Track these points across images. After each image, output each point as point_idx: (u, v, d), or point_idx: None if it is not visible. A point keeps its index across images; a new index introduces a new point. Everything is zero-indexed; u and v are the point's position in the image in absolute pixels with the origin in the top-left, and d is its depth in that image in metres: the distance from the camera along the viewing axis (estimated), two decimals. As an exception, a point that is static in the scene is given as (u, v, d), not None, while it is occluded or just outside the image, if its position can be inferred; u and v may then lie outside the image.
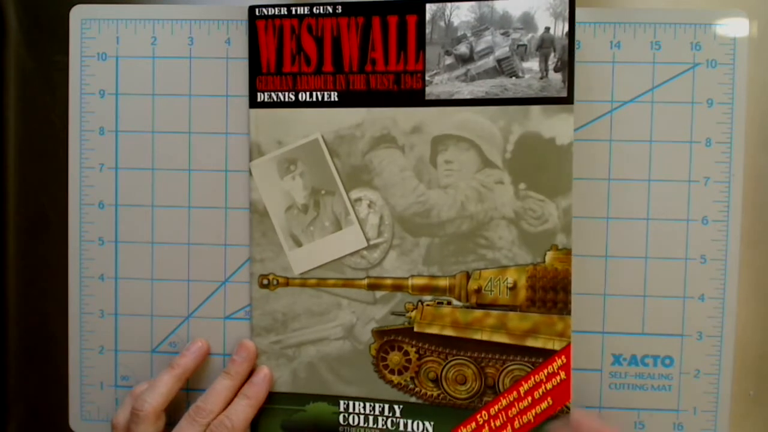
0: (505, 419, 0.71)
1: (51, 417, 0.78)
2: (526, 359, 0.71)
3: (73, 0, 0.75)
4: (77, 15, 0.75)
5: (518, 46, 0.69)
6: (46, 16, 0.77)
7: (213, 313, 0.75)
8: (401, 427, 0.73)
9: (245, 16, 0.73)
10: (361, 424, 0.73)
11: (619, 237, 0.73)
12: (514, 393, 0.71)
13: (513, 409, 0.71)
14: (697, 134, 0.72)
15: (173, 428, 0.69)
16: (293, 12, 0.72)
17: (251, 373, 0.73)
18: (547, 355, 0.70)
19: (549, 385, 0.71)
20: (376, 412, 0.73)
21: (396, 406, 0.73)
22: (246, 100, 0.74)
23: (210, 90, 0.74)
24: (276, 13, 0.72)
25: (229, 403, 0.71)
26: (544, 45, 0.69)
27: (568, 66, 0.69)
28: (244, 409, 0.70)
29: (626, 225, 0.73)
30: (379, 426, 0.73)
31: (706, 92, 0.72)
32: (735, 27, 0.71)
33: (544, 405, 0.71)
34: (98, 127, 0.75)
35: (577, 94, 0.71)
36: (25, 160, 0.78)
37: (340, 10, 0.71)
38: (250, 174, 0.73)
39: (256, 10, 0.73)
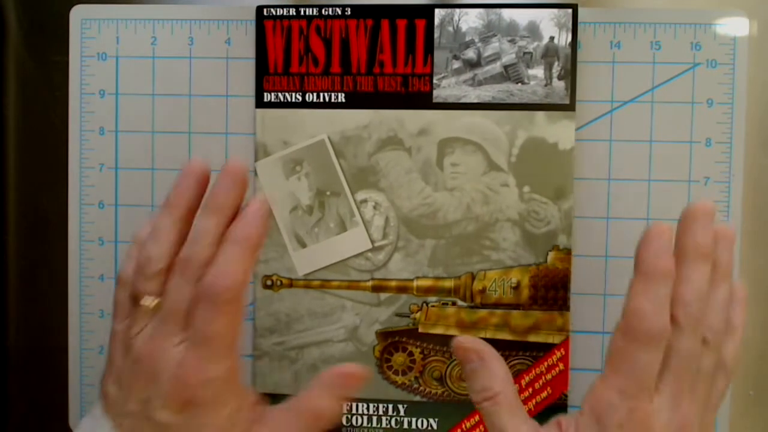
0: None
1: (51, 417, 0.81)
2: (527, 354, 0.76)
3: (73, 0, 0.78)
4: (77, 15, 0.78)
5: (524, 53, 0.74)
6: (46, 16, 0.79)
7: (214, 312, 0.78)
8: (406, 425, 0.77)
9: (247, 16, 0.76)
10: (365, 424, 0.77)
11: (619, 237, 0.76)
12: (516, 385, 0.74)
13: None
14: (697, 134, 0.75)
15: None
16: (302, 13, 0.75)
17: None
18: (547, 348, 0.75)
19: (549, 376, 0.76)
20: (380, 412, 0.77)
21: (400, 406, 0.77)
22: (247, 100, 0.77)
23: (210, 90, 0.78)
24: (284, 13, 0.75)
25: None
26: (549, 53, 0.73)
27: (570, 75, 0.74)
28: (236, 259, 0.55)
29: (626, 225, 0.76)
30: (383, 425, 0.77)
31: (706, 92, 0.75)
32: (735, 27, 0.74)
33: (543, 394, 0.76)
34: (98, 127, 0.79)
35: (578, 94, 0.74)
36: (25, 160, 0.81)
37: (349, 12, 0.75)
38: (255, 174, 0.76)
39: (264, 10, 0.75)
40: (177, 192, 0.60)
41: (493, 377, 0.59)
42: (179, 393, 0.55)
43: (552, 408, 0.76)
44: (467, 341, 0.61)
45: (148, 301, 0.57)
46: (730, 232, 0.59)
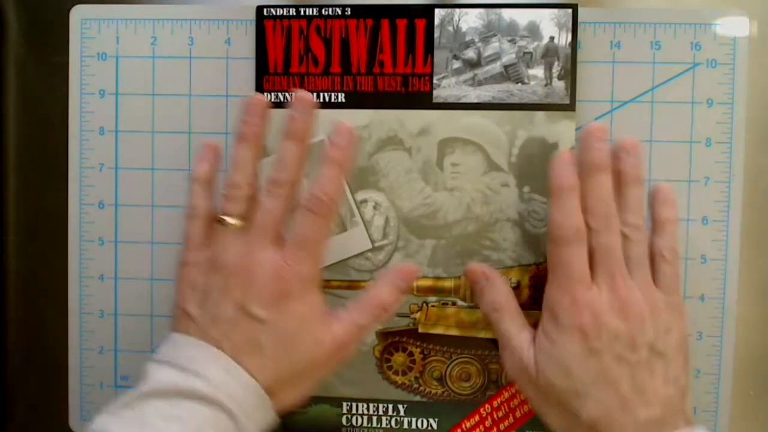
0: (507, 410, 0.77)
1: (51, 417, 0.82)
2: None
3: (73, 0, 0.79)
4: (77, 15, 0.79)
5: (524, 53, 0.74)
6: (46, 16, 0.80)
7: (214, 312, 0.78)
8: (405, 425, 0.78)
9: (247, 16, 0.77)
10: (365, 424, 0.78)
11: None
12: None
13: (515, 400, 0.76)
14: (697, 134, 0.76)
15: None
16: (302, 13, 0.76)
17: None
18: (548, 347, 0.76)
19: None
20: (380, 412, 0.78)
21: (400, 406, 0.78)
22: None
23: (210, 90, 0.78)
24: (284, 13, 0.76)
25: (303, 174, 0.69)
26: (549, 54, 0.74)
27: (570, 75, 0.74)
28: (335, 178, 0.67)
29: None
30: (383, 425, 0.78)
31: (706, 92, 0.75)
32: (735, 27, 0.75)
33: None
34: (98, 127, 0.79)
35: (578, 94, 0.75)
36: (25, 160, 0.81)
37: (349, 12, 0.75)
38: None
39: (264, 10, 0.76)
40: (248, 126, 0.70)
41: (498, 293, 0.72)
42: (275, 288, 0.65)
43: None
44: (477, 265, 0.74)
45: (236, 222, 0.68)
46: (630, 143, 0.70)
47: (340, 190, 0.69)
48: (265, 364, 0.64)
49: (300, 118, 0.68)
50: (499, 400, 0.77)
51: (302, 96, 0.69)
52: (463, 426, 0.77)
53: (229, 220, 0.67)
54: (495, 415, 0.77)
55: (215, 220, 0.69)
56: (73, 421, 0.82)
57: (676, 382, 0.65)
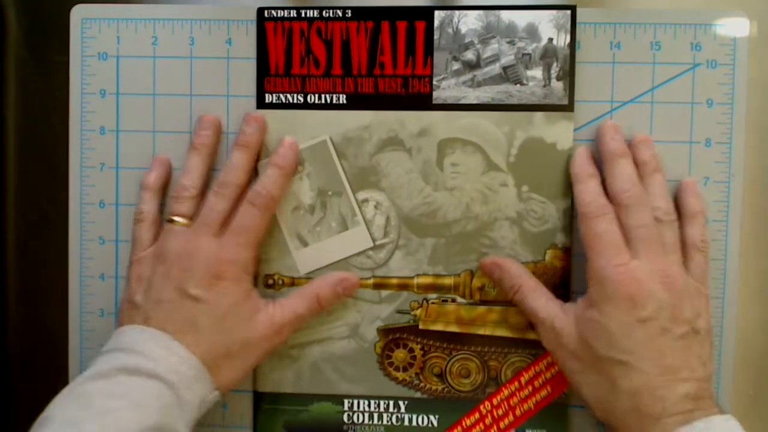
0: (507, 408, 0.78)
1: None
2: (526, 351, 0.78)
3: (74, 0, 0.79)
4: (77, 15, 0.80)
5: (523, 54, 0.75)
6: (46, 16, 0.81)
7: (214, 311, 0.78)
8: (406, 422, 0.79)
9: (247, 16, 0.78)
10: (366, 421, 0.79)
11: None
12: (516, 383, 0.77)
13: (514, 398, 0.78)
14: (697, 134, 0.76)
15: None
16: (302, 15, 0.77)
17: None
18: (547, 346, 0.77)
19: (548, 375, 0.77)
20: (381, 409, 0.79)
21: (401, 402, 0.79)
22: (248, 100, 0.78)
23: (211, 90, 0.79)
24: (285, 15, 0.77)
25: (250, 179, 0.77)
26: (548, 55, 0.75)
27: (569, 76, 0.75)
28: (278, 179, 0.75)
29: None
30: (384, 422, 0.79)
31: (706, 92, 0.76)
32: (735, 27, 0.76)
33: (543, 393, 0.77)
34: (99, 127, 0.80)
35: (578, 95, 0.76)
36: (25, 160, 0.82)
37: (349, 14, 0.76)
38: (257, 174, 0.77)
39: (265, 12, 0.77)
40: (200, 138, 0.78)
41: (513, 275, 0.76)
42: (212, 270, 0.72)
43: (552, 407, 0.78)
44: (487, 259, 0.78)
45: (182, 220, 0.75)
46: (645, 136, 0.76)
47: (281, 189, 0.76)
48: (201, 341, 0.71)
49: (250, 132, 0.77)
50: (498, 397, 0.78)
51: (255, 116, 0.78)
52: (463, 423, 0.78)
53: (176, 218, 0.75)
54: (495, 413, 0.78)
55: (165, 221, 0.76)
56: (73, 420, 0.82)
57: (706, 366, 0.69)
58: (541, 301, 0.74)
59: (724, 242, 0.77)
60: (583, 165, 0.74)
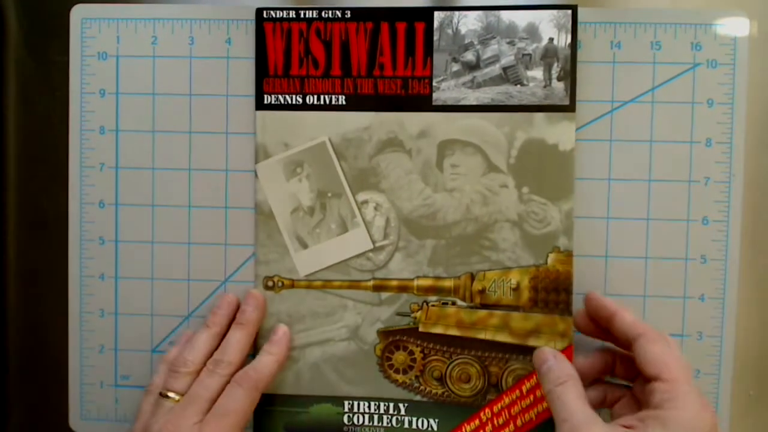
0: (507, 417, 0.77)
1: (51, 417, 0.82)
2: (528, 358, 0.76)
3: (73, 0, 0.79)
4: (77, 14, 0.80)
5: (523, 55, 0.75)
6: (46, 16, 0.81)
7: (213, 312, 0.78)
8: (406, 425, 0.78)
9: (247, 15, 0.78)
10: (366, 423, 0.79)
11: (619, 237, 0.77)
12: (517, 391, 0.77)
13: (515, 407, 0.77)
14: (698, 134, 0.76)
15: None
16: (302, 15, 0.76)
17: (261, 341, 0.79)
18: (549, 354, 0.76)
19: None
20: (381, 411, 0.79)
21: (401, 405, 0.78)
22: (248, 100, 0.78)
23: (211, 90, 0.79)
24: (284, 16, 0.77)
25: (245, 356, 0.76)
26: (548, 55, 0.75)
27: (570, 76, 0.75)
28: (269, 364, 0.76)
29: (626, 225, 0.77)
30: (384, 424, 0.79)
31: (707, 92, 0.76)
32: (735, 27, 0.76)
33: (545, 404, 0.75)
34: (98, 127, 0.80)
35: (578, 94, 0.75)
36: (25, 160, 0.82)
37: (349, 15, 0.76)
38: (256, 176, 0.78)
39: (264, 12, 0.77)
40: (214, 317, 0.78)
41: (566, 366, 0.70)
42: None
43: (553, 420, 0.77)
44: (546, 348, 0.73)
45: (174, 396, 0.74)
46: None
47: (271, 375, 0.77)
48: None
49: (249, 311, 0.78)
50: (499, 405, 0.78)
51: (255, 294, 0.79)
52: (464, 429, 0.78)
53: (169, 394, 0.74)
54: (495, 422, 0.77)
55: (158, 393, 0.76)
56: (73, 420, 0.83)
57: None
58: (579, 402, 0.66)
59: (724, 242, 0.77)
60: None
